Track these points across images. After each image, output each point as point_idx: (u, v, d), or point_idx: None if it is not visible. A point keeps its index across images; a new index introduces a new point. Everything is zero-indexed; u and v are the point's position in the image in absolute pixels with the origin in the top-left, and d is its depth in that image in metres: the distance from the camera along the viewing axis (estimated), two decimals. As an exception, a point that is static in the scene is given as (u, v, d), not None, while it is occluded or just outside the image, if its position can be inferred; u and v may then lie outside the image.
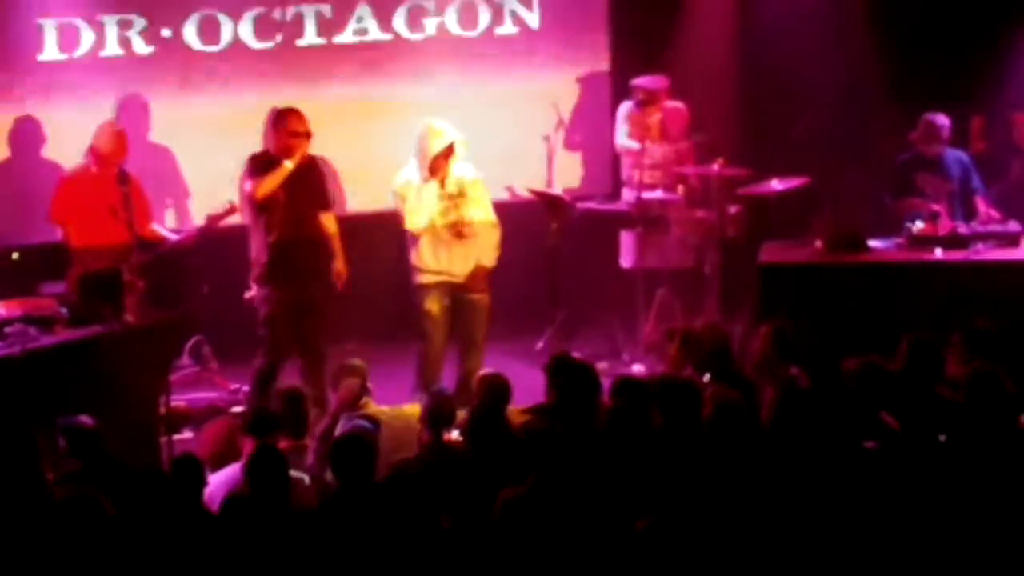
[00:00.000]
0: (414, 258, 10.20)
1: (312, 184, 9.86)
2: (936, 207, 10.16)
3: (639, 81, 11.40)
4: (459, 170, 10.15)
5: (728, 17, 12.50)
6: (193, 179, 11.34)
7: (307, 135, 9.78)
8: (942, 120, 10.43)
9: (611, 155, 12.29)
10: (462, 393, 9.93)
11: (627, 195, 11.28)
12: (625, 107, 11.49)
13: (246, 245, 9.94)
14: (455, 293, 10.21)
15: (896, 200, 10.44)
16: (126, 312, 9.15)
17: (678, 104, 11.39)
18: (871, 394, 7.31)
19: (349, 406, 8.37)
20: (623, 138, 11.44)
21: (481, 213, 10.18)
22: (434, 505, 6.46)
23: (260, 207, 9.73)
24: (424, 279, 10.20)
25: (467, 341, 10.29)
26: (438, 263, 10.17)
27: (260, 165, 9.72)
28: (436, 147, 10.00)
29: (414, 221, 10.12)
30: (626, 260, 11.34)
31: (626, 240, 11.32)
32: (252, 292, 9.80)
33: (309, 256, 9.85)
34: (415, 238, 10.16)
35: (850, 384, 7.44)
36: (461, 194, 10.13)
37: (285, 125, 9.73)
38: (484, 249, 10.20)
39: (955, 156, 10.52)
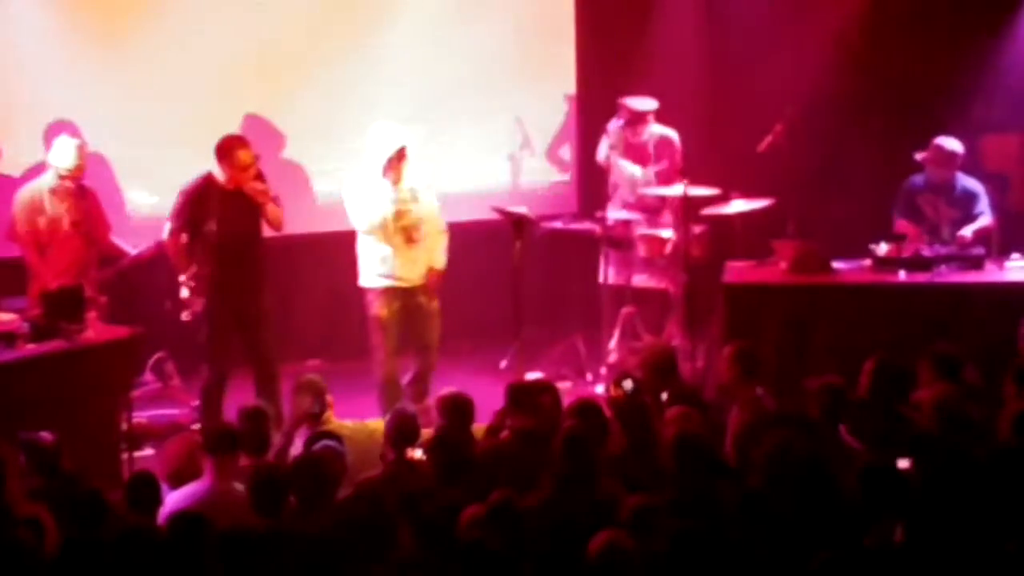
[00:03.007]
0: (363, 262, 10.21)
1: (250, 210, 9.80)
2: (925, 234, 10.17)
3: (626, 100, 11.35)
4: (412, 174, 10.15)
5: (695, 36, 12.52)
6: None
7: (253, 165, 9.76)
8: (952, 145, 10.40)
9: (577, 173, 12.30)
10: (415, 387, 10.02)
11: (611, 211, 11.24)
12: (612, 124, 11.44)
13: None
14: (405, 298, 10.23)
15: (899, 220, 10.43)
16: (88, 328, 9.11)
17: (669, 131, 11.36)
18: (830, 415, 7.31)
19: (303, 423, 8.34)
20: (604, 151, 11.38)
21: (431, 218, 10.22)
22: (396, 523, 6.43)
23: (193, 232, 9.70)
24: (373, 283, 10.21)
25: (420, 344, 10.32)
26: (388, 267, 10.19)
27: (194, 200, 9.70)
28: (388, 150, 10.02)
29: (364, 221, 10.12)
30: (600, 276, 11.33)
31: (595, 259, 11.33)
32: (189, 312, 9.74)
33: (247, 271, 9.82)
34: (364, 242, 10.17)
35: (810, 405, 7.45)
36: (414, 199, 10.16)
37: (234, 160, 9.69)
38: (434, 252, 10.23)
39: (966, 183, 10.45)
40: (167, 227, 9.78)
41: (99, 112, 10.94)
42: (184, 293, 9.70)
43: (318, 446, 7.55)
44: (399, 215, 10.11)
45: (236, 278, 9.76)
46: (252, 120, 11.23)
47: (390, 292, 10.19)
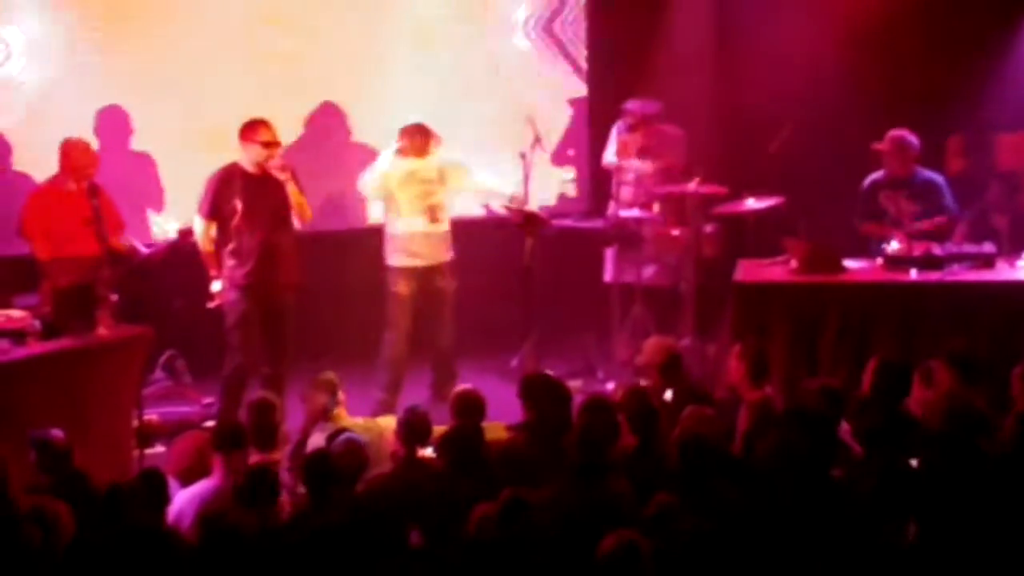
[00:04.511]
0: (387, 241, 10.51)
1: (275, 194, 9.84)
2: (898, 231, 10.14)
3: (629, 105, 11.38)
4: (441, 157, 10.43)
5: (706, 36, 12.52)
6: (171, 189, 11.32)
7: (276, 144, 9.81)
8: (909, 137, 10.38)
9: (587, 172, 12.31)
10: (439, 371, 10.44)
11: (612, 211, 11.28)
12: (618, 126, 11.46)
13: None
14: (425, 278, 10.48)
15: (863, 224, 10.42)
16: (99, 326, 9.11)
17: (674, 128, 11.37)
18: (829, 415, 7.31)
19: (319, 420, 8.38)
20: (610, 155, 11.43)
21: (451, 198, 10.58)
22: (406, 521, 6.44)
23: (219, 217, 9.75)
24: (394, 261, 10.49)
25: (437, 324, 10.63)
26: (409, 246, 10.45)
27: (223, 181, 9.74)
28: (406, 122, 10.40)
29: (365, 181, 10.53)
30: (607, 275, 11.36)
31: (607, 256, 11.34)
32: (217, 300, 9.79)
33: (270, 265, 9.84)
34: (389, 221, 10.51)
35: (809, 405, 7.44)
36: (440, 179, 10.45)
37: (256, 136, 9.75)
38: (449, 237, 10.57)
39: (924, 176, 10.45)
40: (196, 220, 9.84)
41: (114, 112, 10.99)
42: (216, 287, 9.75)
43: (340, 439, 7.57)
44: (424, 195, 10.44)
45: (265, 270, 9.80)
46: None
47: (409, 271, 10.45)
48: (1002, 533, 6.06)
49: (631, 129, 11.35)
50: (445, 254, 10.63)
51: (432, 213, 10.49)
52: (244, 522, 6.14)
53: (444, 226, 10.60)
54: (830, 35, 11.92)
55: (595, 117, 12.32)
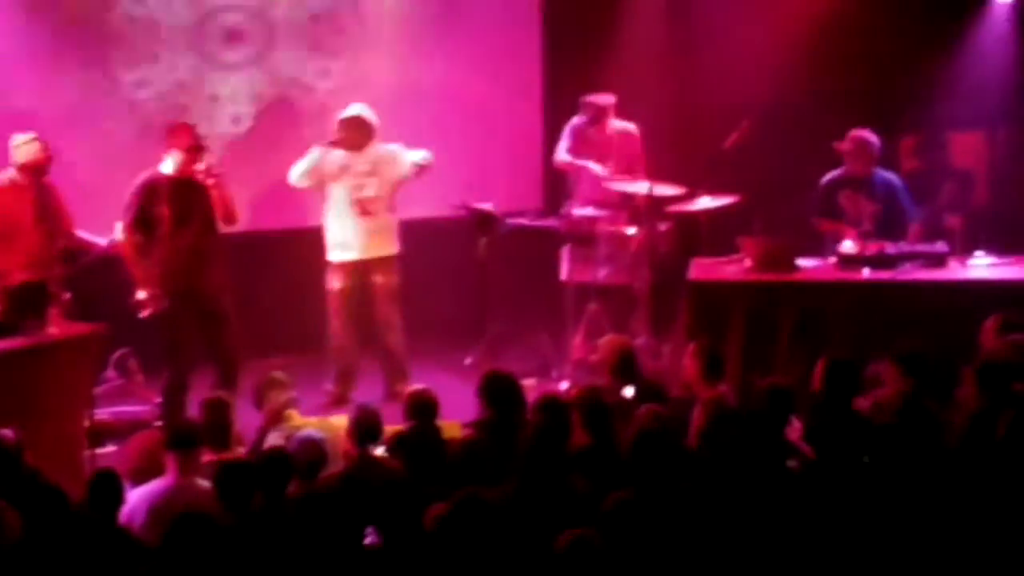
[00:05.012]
0: (326, 237, 10.60)
1: (201, 199, 9.77)
2: (853, 229, 10.18)
3: (591, 98, 11.36)
4: (377, 149, 10.53)
5: (661, 35, 12.53)
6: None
7: (199, 149, 9.75)
8: (872, 138, 10.42)
9: (542, 170, 12.31)
10: (388, 369, 10.57)
11: (567, 209, 11.27)
12: (573, 123, 11.44)
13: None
14: (361, 274, 10.60)
15: (819, 220, 10.44)
16: (51, 324, 9.05)
17: (628, 125, 11.37)
18: (777, 415, 7.32)
19: (277, 420, 8.35)
20: (562, 154, 11.40)
21: (387, 191, 10.62)
22: (358, 521, 6.42)
23: (146, 224, 9.67)
24: (328, 256, 10.60)
25: (381, 322, 10.68)
26: (343, 241, 10.54)
27: (148, 189, 9.66)
28: (340, 115, 10.46)
29: (293, 170, 10.58)
30: (562, 274, 11.36)
31: (560, 255, 11.33)
32: (148, 309, 9.71)
33: (205, 268, 9.79)
34: (326, 218, 10.59)
35: (759, 404, 7.46)
36: (373, 172, 10.50)
37: (179, 142, 9.68)
38: (389, 231, 10.63)
39: (883, 177, 10.48)
40: (119, 226, 9.74)
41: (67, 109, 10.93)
42: (141, 294, 9.67)
43: (298, 436, 7.55)
44: (356, 188, 10.52)
45: (194, 274, 9.73)
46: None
47: (341, 266, 10.56)
48: (952, 530, 6.08)
49: (591, 122, 11.33)
50: (382, 249, 10.62)
51: (362, 207, 10.51)
52: (212, 521, 6.12)
53: (381, 220, 10.58)
54: (786, 33, 11.96)
55: (550, 115, 12.31)
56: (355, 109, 10.59)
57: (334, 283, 10.63)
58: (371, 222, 10.57)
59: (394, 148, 10.66)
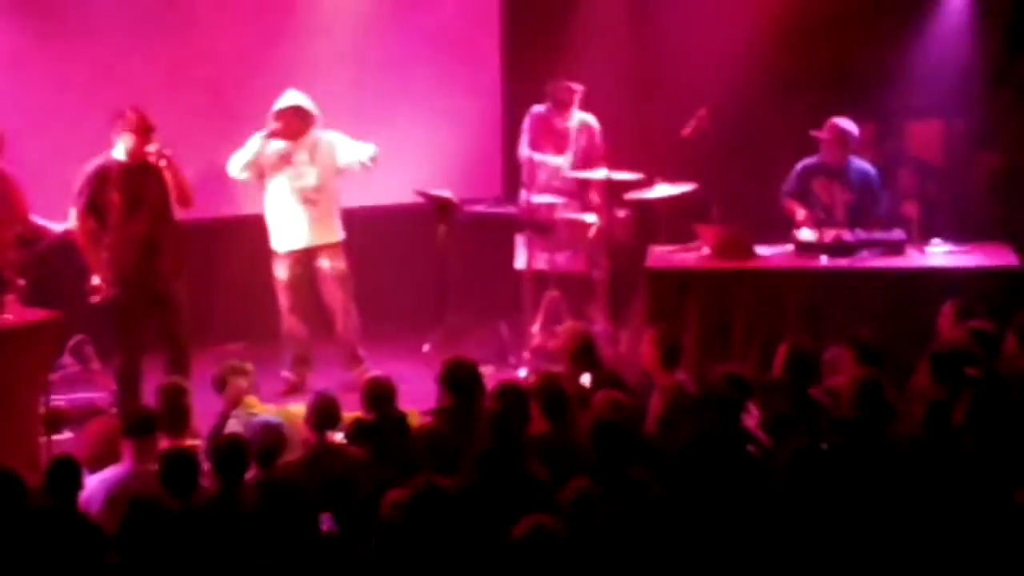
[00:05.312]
0: (269, 226, 10.59)
1: (153, 183, 9.70)
2: (815, 216, 10.21)
3: (561, 82, 11.31)
4: (316, 137, 10.49)
5: (620, 22, 12.52)
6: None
7: (148, 130, 9.64)
8: (850, 127, 10.42)
9: (501, 158, 12.30)
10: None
11: (534, 196, 11.25)
12: (533, 113, 11.39)
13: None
14: (306, 261, 10.59)
15: (788, 201, 10.45)
16: (5, 310, 9.01)
17: (588, 116, 11.35)
18: (734, 402, 7.34)
19: (237, 406, 8.38)
20: (525, 149, 11.33)
21: (328, 178, 10.57)
22: (318, 508, 6.41)
23: (97, 210, 9.61)
24: (275, 246, 10.59)
25: (331, 308, 10.67)
26: (286, 229, 10.53)
27: (98, 175, 9.59)
28: (277, 105, 10.40)
29: (232, 162, 10.52)
30: (519, 262, 11.34)
31: (518, 243, 11.32)
32: (99, 295, 9.66)
33: (157, 253, 9.72)
34: (267, 206, 10.55)
35: (715, 391, 7.48)
36: (313, 161, 10.50)
37: (130, 125, 9.58)
38: (332, 218, 10.60)
39: (859, 166, 10.49)
40: (72, 212, 9.67)
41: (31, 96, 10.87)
42: (95, 280, 9.62)
43: (256, 421, 7.54)
44: (297, 176, 10.48)
45: (146, 261, 9.68)
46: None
47: (292, 255, 10.55)
48: (909, 518, 6.11)
49: (556, 109, 11.28)
50: (326, 236, 10.60)
51: (303, 195, 10.46)
52: (167, 506, 6.11)
53: (323, 208, 10.55)
54: (744, 22, 11.95)
55: (509, 103, 12.30)
56: (292, 98, 10.50)
57: (281, 272, 10.61)
58: (313, 210, 10.54)
59: (334, 136, 10.60)
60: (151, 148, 9.61)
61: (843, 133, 10.40)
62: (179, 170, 9.74)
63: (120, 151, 9.64)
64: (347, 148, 10.62)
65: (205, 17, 11.54)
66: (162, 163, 9.62)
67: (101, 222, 9.62)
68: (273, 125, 10.45)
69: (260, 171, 10.56)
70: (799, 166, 10.50)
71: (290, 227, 10.52)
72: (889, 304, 9.47)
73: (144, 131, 9.61)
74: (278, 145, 10.45)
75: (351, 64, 11.81)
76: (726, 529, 5.97)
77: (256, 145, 10.47)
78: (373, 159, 10.60)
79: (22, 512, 6.20)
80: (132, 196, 9.62)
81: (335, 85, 11.31)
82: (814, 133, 10.41)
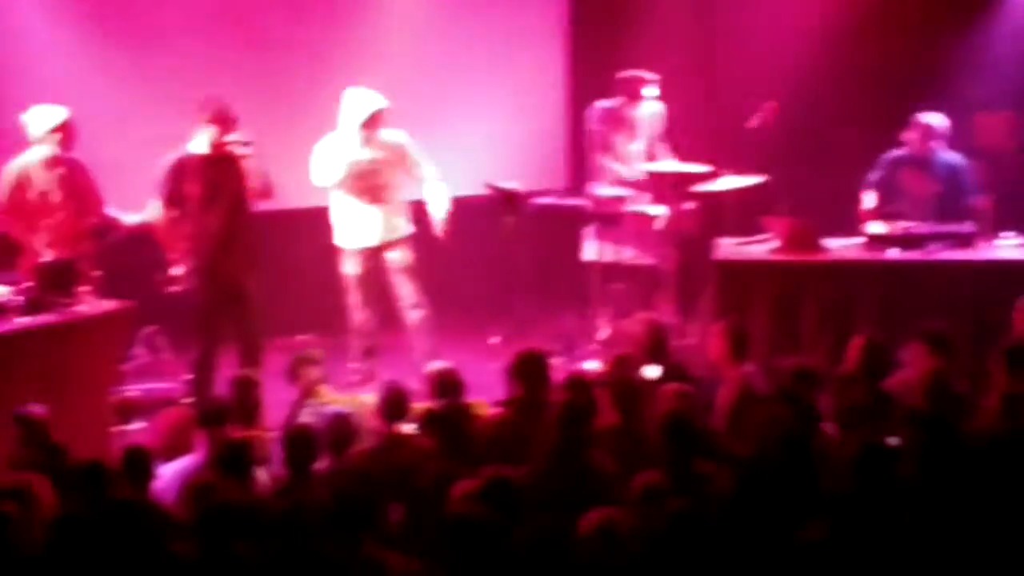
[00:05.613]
0: (335, 222, 10.54)
1: (232, 175, 9.78)
2: (886, 209, 10.17)
3: (626, 74, 11.30)
4: (386, 136, 10.38)
5: (687, 14, 12.51)
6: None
7: (229, 120, 9.72)
8: (934, 119, 10.36)
9: (567, 150, 12.30)
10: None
11: (601, 187, 11.25)
12: (597, 109, 11.37)
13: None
14: (375, 257, 10.53)
15: (867, 191, 10.38)
16: (80, 301, 9.10)
17: (657, 105, 11.33)
18: (803, 394, 7.33)
19: (310, 396, 8.46)
20: (594, 151, 11.32)
21: (409, 171, 10.49)
22: (387, 498, 6.45)
23: (176, 202, 9.70)
24: (343, 242, 10.55)
25: (400, 300, 10.58)
26: (356, 226, 10.48)
27: (178, 168, 9.68)
28: (361, 114, 10.28)
29: (319, 176, 10.40)
30: (586, 254, 11.35)
31: (585, 235, 11.33)
32: (178, 286, 9.75)
33: (235, 245, 9.80)
34: (334, 202, 10.48)
35: (783, 383, 7.47)
36: (383, 159, 10.42)
37: (215, 117, 9.67)
38: (401, 213, 10.52)
39: (947, 157, 10.39)
40: (152, 203, 9.75)
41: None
42: (175, 271, 9.70)
43: (328, 412, 7.61)
44: (366, 175, 10.38)
45: (223, 252, 9.75)
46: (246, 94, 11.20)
47: (362, 251, 10.49)
48: (981, 513, 6.08)
49: (632, 99, 11.25)
50: (394, 232, 10.51)
51: (374, 194, 10.40)
52: (232, 495, 6.16)
53: (392, 206, 10.48)
54: (812, 15, 11.92)
55: (576, 93, 12.30)
56: (376, 101, 10.36)
57: (350, 268, 10.56)
58: (384, 208, 10.49)
59: (402, 138, 10.48)
60: (233, 137, 9.68)
61: (925, 127, 10.34)
62: (262, 160, 9.80)
63: (199, 143, 9.71)
64: (416, 156, 10.54)
65: (277, 13, 11.61)
66: (247, 151, 9.68)
67: (181, 213, 9.71)
68: (363, 134, 10.33)
69: (339, 174, 10.50)
70: (885, 157, 10.45)
71: (361, 225, 10.48)
72: (961, 297, 9.41)
73: (226, 122, 9.69)
74: (347, 144, 10.37)
75: (419, 58, 11.85)
76: (796, 524, 5.96)
77: (329, 148, 10.39)
78: (435, 191, 10.56)
79: (101, 500, 6.28)
80: (211, 188, 9.69)
81: (403, 79, 11.33)
82: (903, 138, 10.37)
